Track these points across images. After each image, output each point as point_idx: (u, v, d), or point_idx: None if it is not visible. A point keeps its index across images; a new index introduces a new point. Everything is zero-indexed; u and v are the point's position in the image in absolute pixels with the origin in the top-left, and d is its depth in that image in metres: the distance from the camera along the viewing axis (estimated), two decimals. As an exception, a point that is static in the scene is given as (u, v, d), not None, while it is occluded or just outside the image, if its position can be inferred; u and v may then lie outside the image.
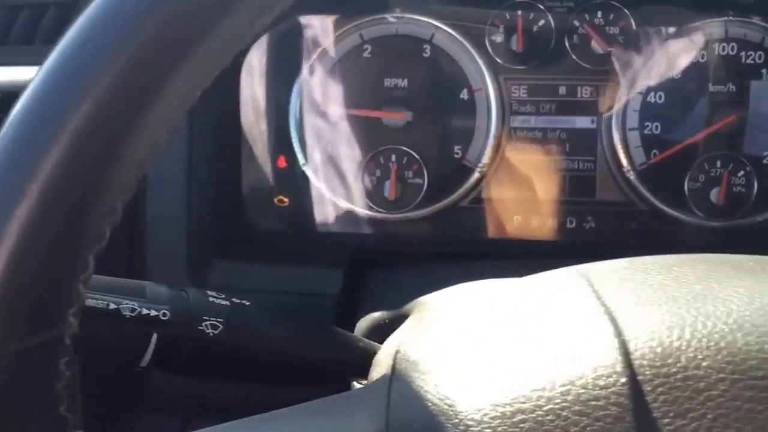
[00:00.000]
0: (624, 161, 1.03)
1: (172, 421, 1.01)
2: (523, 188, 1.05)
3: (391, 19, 1.04)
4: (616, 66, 1.03)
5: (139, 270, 0.96)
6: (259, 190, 1.06)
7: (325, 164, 1.06)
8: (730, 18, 1.02)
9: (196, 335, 0.60)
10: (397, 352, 0.52)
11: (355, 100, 1.05)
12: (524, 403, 0.43)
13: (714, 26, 1.02)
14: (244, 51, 1.03)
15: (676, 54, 1.03)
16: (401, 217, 1.05)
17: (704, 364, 0.42)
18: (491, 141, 1.04)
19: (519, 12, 1.04)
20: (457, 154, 1.05)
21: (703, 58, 1.03)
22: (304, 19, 1.05)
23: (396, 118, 1.04)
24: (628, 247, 0.98)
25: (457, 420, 0.44)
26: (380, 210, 1.05)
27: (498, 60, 1.04)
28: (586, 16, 1.03)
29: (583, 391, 0.42)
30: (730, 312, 0.45)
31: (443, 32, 1.03)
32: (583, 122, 1.04)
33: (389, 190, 1.04)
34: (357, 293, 0.98)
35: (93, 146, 0.38)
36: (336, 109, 1.05)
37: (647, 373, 0.42)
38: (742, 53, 1.02)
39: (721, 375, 0.42)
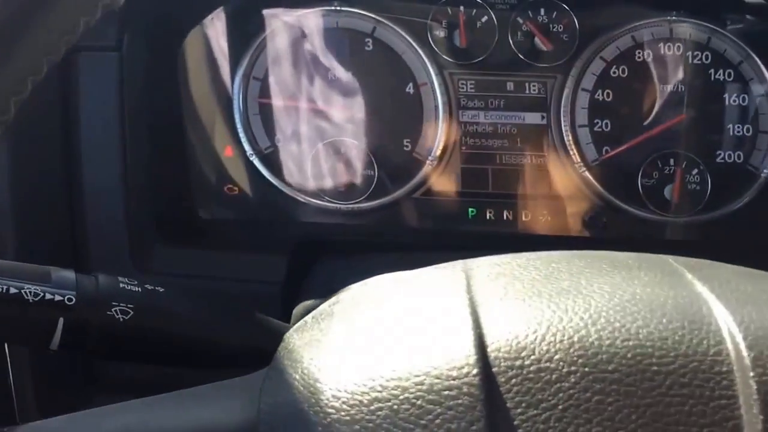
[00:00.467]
0: (576, 157, 1.04)
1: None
2: (476, 181, 1.06)
3: (332, 12, 1.04)
4: (561, 63, 1.04)
5: (82, 258, 0.97)
6: (208, 178, 1.07)
7: (274, 154, 1.07)
8: (674, 18, 1.02)
9: (105, 320, 0.61)
10: (282, 341, 0.54)
11: (299, 93, 1.06)
12: (381, 392, 0.44)
13: (658, 26, 1.03)
14: (183, 38, 1.05)
15: (621, 53, 1.03)
16: (352, 208, 1.06)
17: (557, 357, 0.44)
18: (440, 135, 1.05)
19: (461, 8, 1.04)
20: (407, 147, 1.05)
21: (649, 57, 1.03)
22: (245, 11, 1.05)
23: (340, 110, 1.05)
24: (582, 240, 1.01)
25: (318, 407, 0.45)
26: (331, 200, 1.06)
27: (442, 55, 1.04)
28: (529, 13, 1.04)
29: (437, 381, 0.44)
30: (588, 307, 0.46)
31: (385, 26, 1.04)
32: (532, 118, 1.05)
33: (339, 181, 1.05)
34: (302, 281, 0.99)
35: None
36: (281, 101, 1.06)
37: (502, 365, 0.44)
38: (689, 53, 1.03)
39: (573, 368, 0.43)
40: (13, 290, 0.58)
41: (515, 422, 0.42)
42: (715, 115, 1.03)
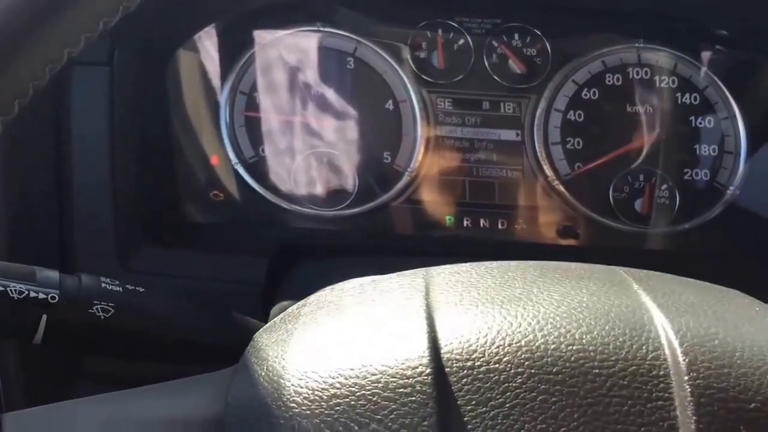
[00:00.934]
0: (549, 172, 1.07)
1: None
2: (453, 191, 1.09)
3: (315, 33, 1.08)
4: (535, 85, 1.08)
5: (70, 260, 0.99)
6: (195, 185, 1.09)
7: (258, 163, 1.09)
8: (642, 45, 1.06)
9: (86, 318, 0.63)
10: (251, 340, 0.56)
11: (283, 107, 1.09)
12: (340, 388, 0.47)
13: (627, 52, 1.07)
14: (172, 54, 1.08)
15: (591, 76, 1.07)
16: (333, 215, 1.08)
17: (506, 359, 0.47)
18: (418, 148, 1.07)
19: (439, 31, 1.08)
20: (387, 159, 1.08)
21: (618, 81, 1.07)
22: (233, 30, 1.09)
23: (323, 124, 1.08)
24: (555, 250, 1.04)
25: (281, 402, 0.48)
26: (313, 207, 1.08)
27: (420, 75, 1.08)
28: (504, 37, 1.08)
29: (392, 379, 0.47)
30: (537, 314, 0.49)
31: (366, 46, 1.07)
32: (508, 135, 1.08)
33: (321, 189, 1.08)
34: (281, 283, 1.01)
35: None
36: (266, 114, 1.09)
37: (454, 366, 0.47)
38: (656, 78, 1.07)
39: (520, 369, 0.46)
40: None
41: (465, 419, 0.45)
42: (682, 136, 1.07)
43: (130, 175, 1.01)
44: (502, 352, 0.47)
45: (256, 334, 0.57)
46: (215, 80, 1.09)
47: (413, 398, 0.46)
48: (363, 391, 0.47)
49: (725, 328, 0.48)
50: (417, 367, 0.47)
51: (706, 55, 1.07)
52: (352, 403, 0.46)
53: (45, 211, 0.99)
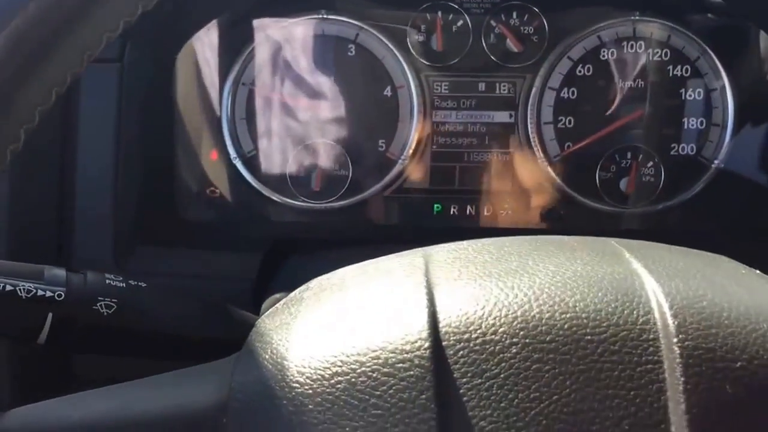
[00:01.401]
0: (539, 153, 1.09)
1: None
2: (443, 178, 1.11)
3: (318, 21, 1.10)
4: (531, 64, 1.09)
5: (67, 255, 1.00)
6: (192, 181, 1.11)
7: (256, 157, 1.11)
8: (637, 18, 1.07)
9: (90, 314, 0.64)
10: (254, 327, 0.58)
11: (285, 98, 1.10)
12: (341, 366, 0.49)
13: (622, 26, 1.08)
14: (182, 47, 1.09)
15: (586, 52, 1.08)
16: (326, 207, 1.10)
17: (501, 330, 0.48)
18: (413, 135, 1.09)
19: (438, 13, 1.09)
20: (381, 147, 1.10)
21: (613, 55, 1.08)
22: (236, 21, 1.10)
23: (322, 114, 1.10)
24: (541, 233, 1.06)
25: (284, 383, 0.49)
26: (306, 200, 1.10)
27: (419, 58, 1.09)
28: (502, 16, 1.09)
29: (392, 355, 0.48)
30: (532, 285, 0.50)
31: (367, 32, 1.09)
32: (501, 117, 1.10)
33: (315, 181, 1.10)
34: (274, 277, 1.03)
35: None
36: (265, 105, 1.10)
37: (451, 339, 0.48)
38: (650, 50, 1.08)
39: (515, 339, 0.47)
40: (8, 287, 0.62)
41: (461, 390, 0.46)
42: (671, 110, 1.09)
43: (132, 174, 1.03)
44: (498, 324, 0.48)
45: (259, 320, 0.58)
46: (218, 73, 1.10)
47: (411, 373, 0.47)
48: (363, 368, 0.48)
49: (713, 290, 0.49)
50: (415, 342, 0.48)
51: (698, 24, 1.08)
52: (353, 380, 0.48)
53: (45, 210, 1.01)
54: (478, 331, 0.48)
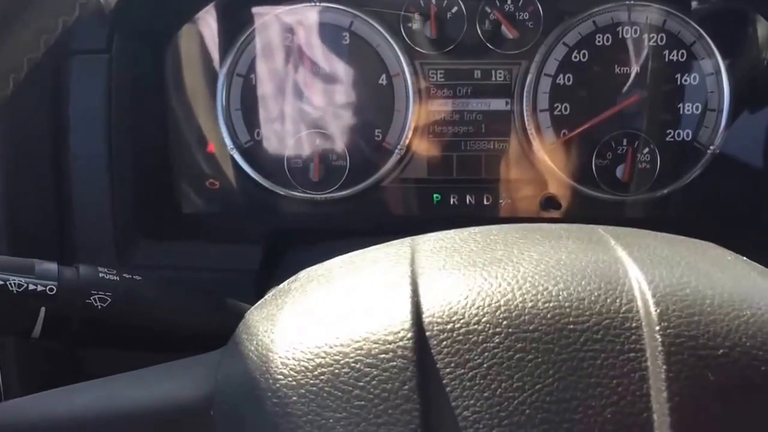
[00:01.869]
0: (535, 140, 1.08)
1: None
2: (441, 168, 1.10)
3: (312, 8, 1.09)
4: (526, 50, 1.08)
5: (69, 252, 1.00)
6: (191, 174, 1.11)
7: (253, 148, 1.11)
8: (632, 2, 1.06)
9: (84, 308, 0.64)
10: (243, 319, 0.58)
11: (279, 88, 1.10)
12: (324, 357, 0.48)
13: (617, 11, 1.07)
14: (170, 38, 1.09)
15: (582, 38, 1.08)
16: (326, 197, 1.10)
17: (484, 319, 0.48)
18: (410, 124, 1.09)
19: (433, 0, 1.08)
20: (378, 137, 1.10)
21: (608, 41, 1.07)
22: (228, 11, 1.10)
23: (318, 104, 1.10)
24: (539, 221, 1.05)
25: (268, 375, 0.49)
26: (306, 191, 1.10)
27: (414, 46, 1.09)
28: (497, 2, 1.09)
29: (375, 346, 0.48)
30: (516, 274, 0.50)
31: (361, 20, 1.08)
32: (497, 104, 1.10)
33: (313, 171, 1.10)
34: (276, 269, 1.03)
35: None
36: (260, 95, 1.10)
37: (435, 329, 0.48)
38: (645, 35, 1.07)
39: (498, 329, 0.47)
40: None
41: (444, 380, 0.46)
42: (667, 95, 1.08)
43: (127, 168, 1.03)
44: (481, 313, 0.48)
45: (248, 311, 0.58)
46: (212, 63, 1.10)
47: (394, 363, 0.47)
48: (347, 359, 0.48)
49: (697, 277, 0.49)
50: (398, 332, 0.48)
51: (697, 7, 1.07)
52: (336, 371, 0.48)
53: (44, 206, 1.01)
54: (461, 321, 0.48)
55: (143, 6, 1.03)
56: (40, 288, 0.63)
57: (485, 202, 1.10)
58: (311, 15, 1.09)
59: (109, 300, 0.65)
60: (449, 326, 0.48)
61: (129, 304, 0.66)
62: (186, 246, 1.05)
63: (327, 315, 0.52)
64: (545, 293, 0.48)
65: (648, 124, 1.07)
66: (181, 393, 0.53)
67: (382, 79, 1.09)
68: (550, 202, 1.09)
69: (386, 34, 1.08)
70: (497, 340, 0.47)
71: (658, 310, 0.46)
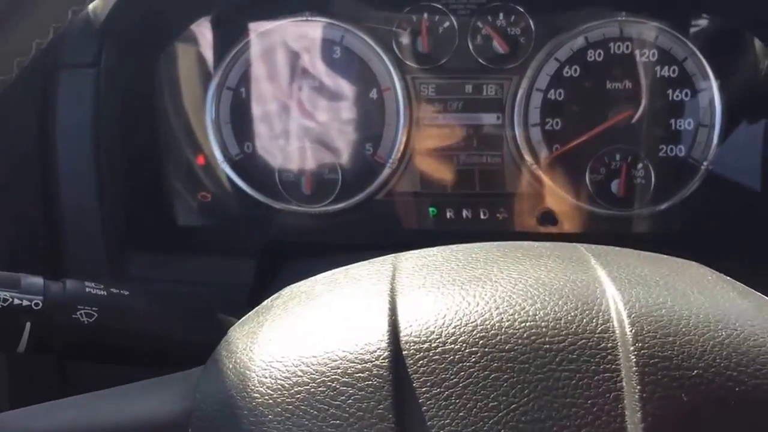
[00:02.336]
0: (527, 155, 1.08)
1: None
2: (435, 182, 1.10)
3: (304, 22, 1.09)
4: (518, 65, 1.08)
5: (60, 267, 1.00)
6: (182, 187, 1.11)
7: (244, 161, 1.11)
8: (624, 18, 1.07)
9: (70, 323, 0.64)
10: (225, 335, 0.58)
11: (270, 102, 1.10)
12: (301, 376, 0.48)
13: (609, 26, 1.07)
14: (160, 52, 1.09)
15: (573, 53, 1.08)
16: (319, 211, 1.10)
17: (461, 339, 0.48)
18: (400, 137, 1.09)
19: (424, 14, 1.09)
20: (369, 151, 1.10)
21: (600, 56, 1.08)
22: (217, 23, 1.10)
23: (308, 117, 1.10)
24: (537, 236, 1.05)
25: (245, 393, 0.49)
26: (299, 204, 1.10)
27: (405, 60, 1.09)
28: (489, 17, 1.09)
29: (351, 365, 0.48)
30: (494, 293, 0.50)
31: (353, 34, 1.09)
32: (489, 119, 1.10)
33: (305, 185, 1.10)
34: (270, 283, 1.03)
35: None
36: (252, 109, 1.11)
37: (411, 348, 0.48)
38: (637, 51, 1.07)
39: (474, 348, 0.47)
40: None
41: (420, 400, 0.46)
42: (659, 111, 1.08)
43: (117, 181, 1.03)
44: (458, 333, 0.48)
45: (231, 328, 0.58)
46: (202, 77, 1.10)
47: (370, 382, 0.47)
48: (323, 378, 0.48)
49: (674, 298, 0.49)
50: (375, 352, 0.48)
51: (690, 24, 1.07)
52: (312, 390, 0.48)
53: (33, 220, 1.01)
54: (438, 340, 0.48)
55: (132, 20, 1.03)
56: (25, 302, 0.63)
57: (482, 216, 1.10)
58: (303, 29, 1.09)
59: (95, 315, 0.65)
60: (426, 345, 0.48)
61: (115, 319, 0.66)
62: (179, 259, 1.05)
63: (305, 333, 0.51)
64: (522, 313, 0.48)
65: (641, 139, 1.07)
66: (161, 410, 0.53)
67: (373, 93, 1.09)
68: (547, 217, 1.09)
69: (377, 49, 1.09)
70: (473, 360, 0.47)
71: (634, 331, 0.46)
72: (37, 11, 0.52)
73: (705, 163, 1.07)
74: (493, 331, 0.48)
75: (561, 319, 0.48)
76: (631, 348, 0.46)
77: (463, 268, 0.54)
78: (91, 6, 1.00)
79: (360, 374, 0.47)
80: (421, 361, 0.47)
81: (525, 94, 1.08)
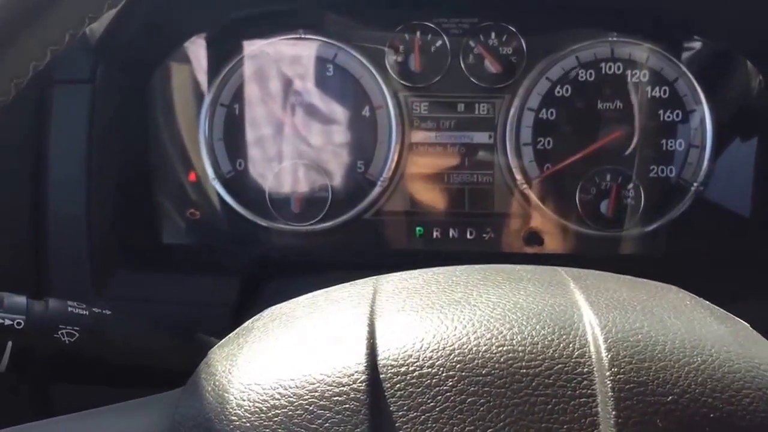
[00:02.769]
0: (518, 176, 1.08)
1: None
2: (424, 201, 1.11)
3: (297, 41, 1.10)
4: (509, 84, 1.09)
5: (45, 285, 1.00)
6: (171, 204, 1.11)
7: (235, 179, 1.11)
8: (615, 39, 1.07)
9: (51, 343, 0.64)
10: (206, 357, 0.57)
11: (263, 119, 1.11)
12: (279, 399, 0.48)
13: (600, 47, 1.08)
14: (154, 69, 1.09)
15: (565, 73, 1.08)
16: (307, 230, 1.10)
17: (438, 363, 0.48)
18: (392, 156, 1.09)
19: (417, 33, 1.09)
20: (360, 168, 1.10)
21: (591, 77, 1.08)
22: (212, 41, 1.11)
23: (301, 135, 1.10)
24: (522, 257, 1.05)
25: (223, 416, 0.49)
26: (287, 222, 1.10)
27: (397, 79, 1.09)
28: (481, 37, 1.09)
29: (328, 388, 0.48)
30: (472, 317, 0.50)
31: (345, 53, 1.09)
32: (480, 138, 1.10)
33: (295, 203, 1.10)
34: (253, 302, 1.03)
35: None
36: (244, 126, 1.11)
37: (389, 372, 0.48)
38: (628, 71, 1.08)
39: (451, 372, 0.47)
40: None
41: (396, 424, 0.46)
42: (650, 132, 1.09)
43: (108, 198, 1.03)
44: (435, 356, 0.48)
45: (211, 350, 0.58)
46: (196, 93, 1.11)
47: (347, 406, 0.47)
48: (300, 401, 0.48)
49: (650, 323, 0.49)
50: (352, 375, 0.48)
51: (681, 45, 1.08)
52: (290, 413, 0.48)
53: (20, 236, 1.01)
54: (416, 364, 0.48)
55: (128, 37, 1.03)
56: (7, 322, 0.63)
57: (468, 236, 1.10)
58: (296, 47, 1.10)
59: (77, 335, 0.65)
60: (403, 369, 0.48)
61: (96, 340, 0.66)
62: (164, 278, 1.05)
63: (284, 356, 0.51)
64: (499, 337, 0.48)
65: (631, 160, 1.08)
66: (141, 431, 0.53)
67: (366, 111, 1.10)
68: (533, 238, 1.09)
69: (370, 67, 1.09)
70: (450, 384, 0.47)
71: (610, 356, 0.46)
72: (35, 35, 0.52)
73: (695, 184, 1.07)
74: (470, 356, 0.48)
75: (538, 344, 0.48)
76: (607, 373, 0.46)
77: (443, 292, 0.54)
78: (86, 22, 1.00)
79: (337, 398, 0.47)
80: (398, 385, 0.47)
81: (517, 113, 1.09)
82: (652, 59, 1.07)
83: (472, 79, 1.10)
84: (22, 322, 0.63)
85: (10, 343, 0.63)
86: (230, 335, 0.59)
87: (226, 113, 1.10)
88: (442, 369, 0.47)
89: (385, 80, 1.09)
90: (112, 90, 1.04)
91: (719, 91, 1.07)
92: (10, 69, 0.53)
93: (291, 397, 0.48)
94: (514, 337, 0.48)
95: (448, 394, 0.46)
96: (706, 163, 1.07)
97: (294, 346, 0.52)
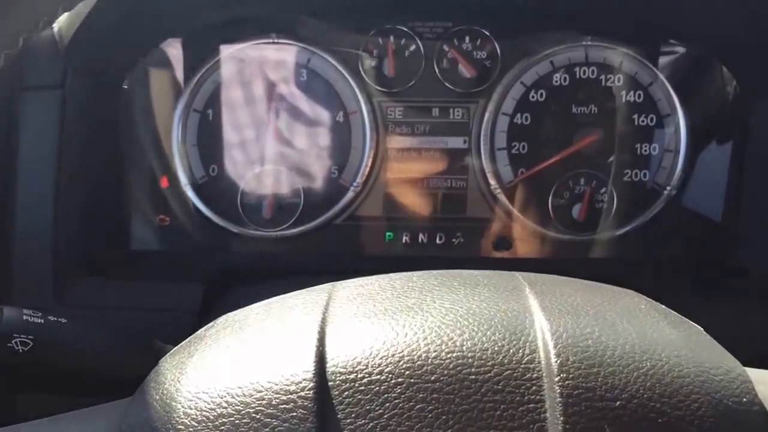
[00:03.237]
0: (492, 180, 1.08)
1: None
2: (397, 206, 1.10)
3: (270, 45, 1.09)
4: (484, 89, 1.08)
5: (6, 288, 0.99)
6: (142, 210, 1.10)
7: (207, 184, 1.10)
8: (590, 43, 1.07)
9: (4, 351, 0.64)
10: (156, 366, 0.57)
11: (236, 124, 1.10)
12: (226, 408, 0.48)
13: (575, 51, 1.07)
14: (125, 74, 1.09)
15: (539, 77, 1.08)
16: (278, 235, 1.09)
17: (387, 369, 0.47)
18: (366, 161, 1.09)
19: (390, 38, 1.09)
20: (334, 173, 1.09)
21: (565, 81, 1.08)
22: (183, 45, 1.10)
23: (274, 140, 1.09)
24: (490, 261, 1.05)
25: (170, 425, 0.49)
26: (258, 228, 1.09)
27: (371, 83, 1.09)
28: (455, 41, 1.09)
29: (276, 396, 0.47)
30: (424, 323, 0.49)
31: (319, 57, 1.08)
32: (455, 142, 1.09)
33: (267, 209, 1.09)
34: (218, 309, 1.01)
35: None
36: (216, 131, 1.10)
37: (337, 379, 0.47)
38: (602, 76, 1.07)
39: (400, 379, 0.47)
40: None
41: (344, 431, 0.45)
42: (625, 136, 1.08)
43: (76, 206, 1.01)
44: (384, 363, 0.47)
45: (162, 358, 0.58)
46: (168, 99, 1.10)
47: (294, 414, 0.46)
48: (248, 410, 0.47)
49: (601, 328, 0.48)
50: (300, 383, 0.47)
51: (656, 50, 1.07)
52: (237, 422, 0.47)
53: None
54: (365, 371, 0.47)
55: (97, 42, 1.02)
56: None
57: (438, 241, 1.10)
58: (269, 52, 1.09)
59: (31, 344, 0.64)
60: (352, 376, 0.47)
61: (50, 349, 0.65)
62: (130, 285, 1.03)
63: (233, 364, 0.51)
64: (450, 343, 0.48)
65: (605, 164, 1.07)
66: None
67: (340, 116, 1.09)
68: (501, 242, 1.09)
69: (343, 72, 1.08)
70: (399, 391, 0.46)
71: (559, 361, 0.46)
72: (7, 21, 0.52)
73: (668, 188, 1.07)
74: (419, 362, 0.47)
75: (488, 350, 0.47)
76: (556, 379, 0.45)
77: (397, 298, 0.54)
78: (56, 27, 1.00)
79: (284, 405, 0.47)
80: (346, 392, 0.47)
81: (491, 118, 1.08)
82: (627, 63, 1.07)
83: (446, 83, 1.09)
84: None
85: None
86: (182, 343, 0.58)
87: (200, 118, 1.10)
88: (390, 376, 0.47)
89: (359, 85, 1.08)
90: (82, 95, 1.03)
91: (694, 96, 1.07)
92: None
93: (238, 405, 0.47)
94: (465, 343, 0.48)
95: (397, 401, 0.46)
96: (680, 167, 1.07)
97: (243, 353, 0.51)
